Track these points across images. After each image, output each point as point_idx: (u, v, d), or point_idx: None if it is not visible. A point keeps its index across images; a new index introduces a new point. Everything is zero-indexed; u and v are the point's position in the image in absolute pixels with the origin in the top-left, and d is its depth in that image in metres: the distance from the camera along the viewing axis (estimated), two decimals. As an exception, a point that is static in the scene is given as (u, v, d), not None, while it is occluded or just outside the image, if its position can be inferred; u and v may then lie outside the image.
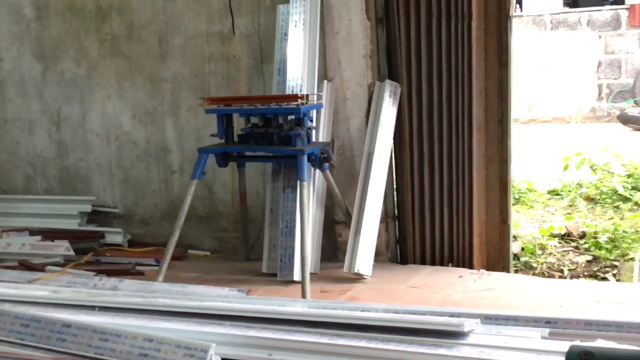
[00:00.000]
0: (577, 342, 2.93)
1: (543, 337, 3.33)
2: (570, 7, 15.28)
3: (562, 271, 5.66)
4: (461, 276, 4.99)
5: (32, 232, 6.04)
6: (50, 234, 5.96)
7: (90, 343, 3.49)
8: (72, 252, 5.65)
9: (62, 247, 5.68)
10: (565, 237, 6.35)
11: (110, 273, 5.23)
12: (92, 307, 4.05)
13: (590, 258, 5.86)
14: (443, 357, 3.16)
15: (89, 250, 5.80)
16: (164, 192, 6.08)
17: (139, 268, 5.51)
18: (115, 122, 6.17)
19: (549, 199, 7.74)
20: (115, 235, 6.02)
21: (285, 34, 5.20)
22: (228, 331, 3.57)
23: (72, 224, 6.14)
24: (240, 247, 5.73)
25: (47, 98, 6.41)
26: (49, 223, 6.18)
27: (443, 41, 5.13)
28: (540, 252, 6.01)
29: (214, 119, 5.08)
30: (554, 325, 3.48)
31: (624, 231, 6.18)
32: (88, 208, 6.20)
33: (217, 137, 5.09)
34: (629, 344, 3.13)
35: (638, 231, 6.22)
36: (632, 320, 3.51)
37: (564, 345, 3.05)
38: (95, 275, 5.12)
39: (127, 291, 4.58)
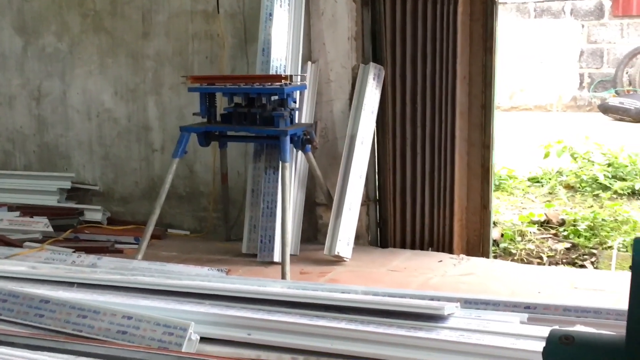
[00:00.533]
0: (557, 327, 2.95)
1: (522, 322, 3.36)
2: (554, -4, 15.30)
3: (541, 258, 5.69)
4: (441, 260, 5.00)
5: (11, 207, 6.00)
6: (29, 210, 5.92)
7: (68, 319, 3.48)
8: (50, 229, 5.62)
9: (41, 224, 5.65)
10: (545, 224, 6.37)
11: (89, 250, 5.21)
12: (70, 284, 4.03)
13: (569, 245, 5.89)
14: (423, 340, 3.17)
15: (68, 227, 5.76)
16: (144, 170, 6.04)
17: (118, 246, 5.49)
18: (96, 98, 6.12)
19: (529, 186, 7.77)
20: (94, 213, 5.98)
21: (270, 14, 5.16)
22: (207, 310, 3.57)
23: (51, 201, 6.10)
24: (221, 227, 5.71)
25: (27, 73, 6.35)
26: (27, 199, 6.14)
27: (428, 25, 5.12)
28: (519, 238, 6.03)
29: (197, 98, 5.05)
30: (533, 311, 3.50)
31: (603, 220, 6.21)
32: (67, 185, 6.16)
33: (199, 116, 5.06)
34: (606, 330, 3.16)
35: (617, 220, 6.25)
36: (610, 307, 3.54)
37: (543, 330, 3.08)
38: (74, 252, 5.08)
39: (106, 268, 4.56)
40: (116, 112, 6.06)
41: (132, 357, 3.11)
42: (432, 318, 3.32)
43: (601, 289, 4.37)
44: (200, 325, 3.38)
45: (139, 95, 5.96)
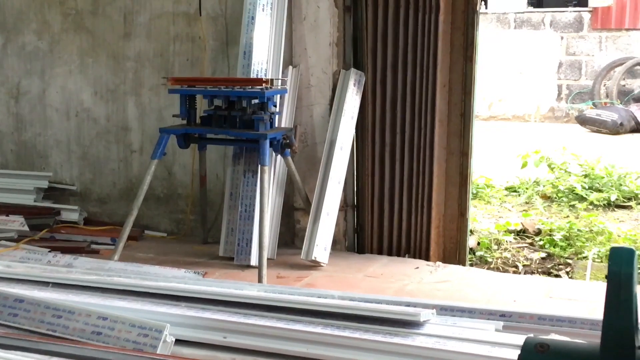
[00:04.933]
0: (532, 336, 2.97)
1: (497, 330, 3.38)
2: (534, 7, 15.40)
3: (516, 267, 5.72)
4: (417, 267, 5.01)
5: (-14, 206, 5.96)
6: (4, 209, 5.87)
7: (42, 319, 3.46)
8: (26, 228, 5.57)
9: (17, 222, 5.60)
10: (521, 233, 6.41)
11: (64, 250, 5.18)
12: (45, 283, 4.01)
13: (544, 255, 5.92)
14: (398, 346, 3.18)
15: (44, 227, 5.72)
16: (122, 171, 6.02)
17: (94, 246, 5.46)
18: (75, 98, 6.09)
19: (506, 195, 7.81)
20: (71, 213, 5.94)
21: (253, 18, 5.16)
22: (183, 312, 3.56)
23: (28, 200, 6.05)
24: (198, 229, 5.70)
25: (6, 70, 6.31)
26: (3, 198, 6.09)
27: (409, 32, 5.14)
28: (495, 247, 6.06)
29: (177, 100, 5.04)
30: (508, 319, 3.52)
31: (578, 230, 6.25)
32: (44, 184, 6.12)
33: (179, 118, 5.05)
34: (581, 339, 3.18)
35: (592, 230, 6.30)
36: (585, 316, 3.57)
37: (518, 339, 3.09)
38: (50, 251, 5.05)
39: (82, 269, 4.54)
40: (95, 112, 6.03)
41: (107, 358, 3.10)
42: (408, 324, 3.33)
43: (576, 299, 4.40)
44: (175, 328, 3.37)
45: (118, 96, 5.94)
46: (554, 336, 3.21)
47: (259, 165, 4.76)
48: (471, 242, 5.78)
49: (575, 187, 7.54)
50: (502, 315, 3.56)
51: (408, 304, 3.66)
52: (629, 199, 7.43)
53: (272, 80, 4.86)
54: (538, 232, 6.37)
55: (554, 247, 6.00)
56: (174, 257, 5.25)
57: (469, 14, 5.07)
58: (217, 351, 3.35)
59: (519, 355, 2.04)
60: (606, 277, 1.91)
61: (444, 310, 3.64)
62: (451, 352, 3.11)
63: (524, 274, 5.57)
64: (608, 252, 5.64)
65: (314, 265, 4.97)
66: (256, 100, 4.86)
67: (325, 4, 5.21)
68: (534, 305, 4.20)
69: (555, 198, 7.55)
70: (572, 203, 7.30)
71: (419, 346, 3.16)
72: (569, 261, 5.77)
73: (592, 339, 3.22)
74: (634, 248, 1.97)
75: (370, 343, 3.21)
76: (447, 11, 5.09)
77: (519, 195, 7.78)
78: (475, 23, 5.07)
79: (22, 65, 6.24)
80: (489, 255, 5.88)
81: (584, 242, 6.05)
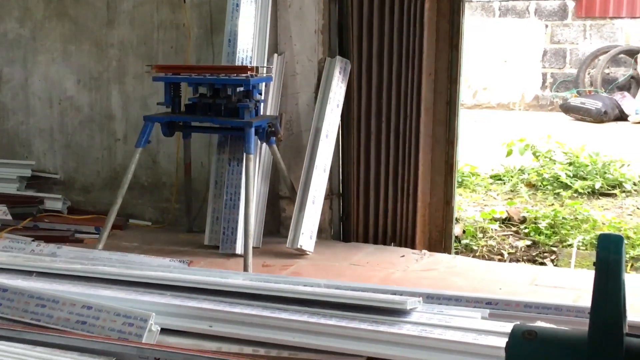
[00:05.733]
0: (520, 323, 2.97)
1: (483, 318, 3.38)
2: (519, -5, 15.40)
3: (502, 255, 5.73)
4: (403, 256, 5.01)
5: (-31, 195, 5.91)
6: (-13, 198, 5.83)
7: (26, 308, 3.44)
8: (9, 217, 5.54)
9: (0, 212, 5.56)
10: (506, 221, 6.41)
11: (48, 239, 5.14)
12: (29, 272, 3.98)
13: (529, 243, 5.93)
14: (384, 334, 3.18)
15: (27, 216, 5.68)
16: (106, 159, 5.98)
17: (78, 235, 5.43)
18: (58, 86, 6.04)
19: (491, 184, 7.81)
20: (54, 202, 5.90)
21: (237, 5, 5.13)
22: (169, 301, 3.55)
23: (11, 189, 6.01)
24: (183, 218, 5.67)
25: (-12, 58, 6.26)
26: (-14, 186, 6.05)
27: (395, 20, 5.12)
28: (481, 235, 6.07)
29: (161, 88, 5.01)
30: (495, 307, 3.53)
31: (563, 218, 6.26)
32: (28, 173, 6.08)
33: (163, 106, 5.02)
34: (566, 326, 3.19)
35: (577, 218, 6.31)
36: (570, 304, 3.58)
37: (504, 326, 3.10)
38: (33, 240, 5.01)
39: (66, 258, 4.51)
40: (79, 100, 5.98)
41: (91, 347, 3.07)
42: (395, 312, 3.33)
43: (561, 286, 4.41)
44: (161, 317, 3.35)
45: (102, 84, 5.89)
46: (540, 323, 3.22)
47: (244, 154, 4.74)
48: (457, 230, 5.78)
49: (559, 176, 7.55)
50: (489, 303, 3.56)
51: (394, 293, 3.66)
52: (613, 187, 7.45)
53: (257, 68, 4.83)
54: (523, 220, 6.38)
55: (539, 235, 6.02)
56: (159, 246, 5.23)
57: (455, 1, 5.05)
58: (203, 340, 3.34)
59: (507, 342, 2.03)
60: (594, 264, 1.91)
61: (430, 298, 3.63)
62: (437, 339, 3.11)
63: (510, 262, 5.58)
64: (593, 240, 5.70)
65: (300, 253, 4.96)
66: (241, 88, 4.83)
67: (311, -8, 5.19)
68: (520, 293, 4.20)
69: (540, 186, 7.56)
70: (557, 191, 7.31)
71: (406, 334, 3.16)
72: (554, 249, 5.79)
73: (577, 326, 3.24)
74: (621, 235, 1.97)
75: (357, 331, 3.21)
76: (432, -1, 5.08)
77: (504, 184, 7.79)
78: (460, 11, 5.06)
79: (3, 53, 6.18)
80: (474, 244, 5.89)
81: (568, 230, 6.06)
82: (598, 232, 6.02)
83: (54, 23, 5.98)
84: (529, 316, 3.42)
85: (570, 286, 4.41)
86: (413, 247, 5.23)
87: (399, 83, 5.16)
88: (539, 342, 1.98)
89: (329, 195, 5.34)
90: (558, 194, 7.25)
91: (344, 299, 3.44)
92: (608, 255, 1.88)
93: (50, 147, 6.15)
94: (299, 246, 4.92)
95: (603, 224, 6.26)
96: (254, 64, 5.06)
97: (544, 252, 5.76)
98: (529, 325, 2.08)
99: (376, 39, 5.16)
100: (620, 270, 1.87)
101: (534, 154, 8.23)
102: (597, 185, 7.37)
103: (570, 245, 5.76)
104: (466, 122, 10.84)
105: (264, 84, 5.07)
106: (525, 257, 5.71)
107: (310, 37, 5.23)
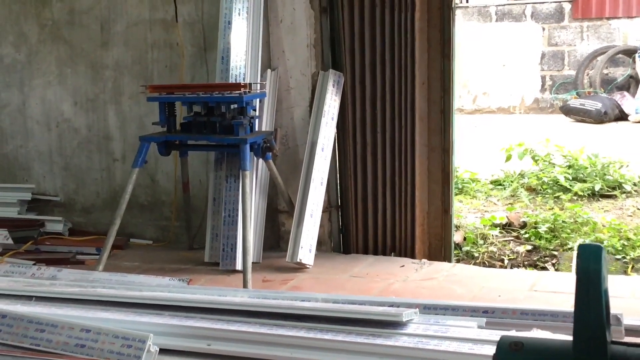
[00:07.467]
0: (510, 332, 2.98)
1: (480, 327, 3.38)
2: (515, -1, 15.44)
3: (502, 260, 5.74)
4: (403, 266, 5.02)
5: (-30, 220, 5.93)
6: (-12, 223, 5.86)
7: (26, 334, 3.45)
8: (10, 241, 5.55)
9: (1, 236, 5.58)
10: (507, 227, 6.43)
11: (49, 262, 5.17)
12: (29, 297, 4.00)
13: (530, 248, 5.94)
14: (381, 347, 3.19)
15: (29, 239, 5.70)
16: (105, 180, 6.01)
17: (79, 257, 5.45)
18: (55, 108, 6.08)
19: (491, 189, 7.82)
20: (55, 224, 5.92)
21: (229, 22, 5.16)
22: (167, 321, 3.56)
23: (11, 212, 6.03)
24: (183, 236, 5.69)
25: (-15, 84, 6.30)
26: (-14, 211, 6.07)
27: (386, 32, 5.14)
28: (481, 241, 6.07)
29: (157, 107, 5.03)
30: (491, 315, 3.53)
31: (563, 221, 6.27)
32: (28, 196, 6.11)
33: (159, 126, 5.04)
34: (563, 333, 3.19)
35: (577, 221, 6.32)
36: (567, 309, 3.58)
37: (500, 335, 3.10)
38: (34, 264, 5.04)
39: (66, 281, 4.53)
40: (76, 122, 6.02)
41: (90, 370, 3.10)
42: (391, 325, 3.34)
43: (561, 291, 4.41)
44: (159, 337, 3.37)
45: (98, 105, 5.93)
46: (536, 331, 3.23)
47: (240, 170, 4.76)
48: (457, 237, 5.80)
49: (559, 179, 7.55)
50: (485, 312, 3.57)
51: (391, 304, 3.67)
52: (613, 188, 7.45)
53: (250, 84, 4.85)
54: (523, 225, 6.40)
55: (539, 239, 6.03)
56: (159, 264, 5.25)
57: (445, 11, 5.08)
58: (202, 359, 3.35)
59: (494, 354, 2.05)
60: (576, 273, 1.92)
61: (428, 308, 3.64)
62: (434, 350, 3.12)
63: (510, 267, 5.60)
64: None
65: (300, 267, 4.97)
66: (235, 105, 4.85)
67: (302, 6, 5.21)
68: (519, 300, 4.21)
69: (540, 190, 7.57)
70: (557, 194, 7.32)
71: (402, 346, 3.17)
72: (555, 253, 5.80)
73: (573, 332, 3.24)
74: (601, 244, 1.99)
75: (353, 345, 3.22)
76: (422, 9, 5.10)
77: (504, 189, 7.79)
78: (451, 20, 5.08)
79: (0, 78, 6.22)
80: (475, 250, 5.90)
81: (569, 234, 6.07)
82: (598, 235, 6.02)
83: (49, 46, 6.02)
84: (525, 323, 3.42)
85: (569, 291, 4.33)
86: (413, 256, 5.24)
87: (392, 93, 5.18)
88: (526, 352, 2.00)
89: (328, 207, 5.35)
90: (558, 197, 7.25)
91: (340, 313, 3.45)
92: (588, 265, 1.89)
93: (49, 169, 6.18)
94: (298, 260, 4.93)
95: (603, 226, 6.26)
96: (248, 80, 5.09)
97: (544, 257, 5.78)
98: (516, 336, 2.10)
99: (368, 50, 5.19)
100: (601, 279, 1.88)
101: (533, 158, 8.24)
102: (597, 187, 7.37)
103: (571, 249, 5.77)
104: (466, 128, 10.90)
105: (258, 99, 5.10)
106: (526, 262, 5.72)
107: (302, 51, 5.25)
